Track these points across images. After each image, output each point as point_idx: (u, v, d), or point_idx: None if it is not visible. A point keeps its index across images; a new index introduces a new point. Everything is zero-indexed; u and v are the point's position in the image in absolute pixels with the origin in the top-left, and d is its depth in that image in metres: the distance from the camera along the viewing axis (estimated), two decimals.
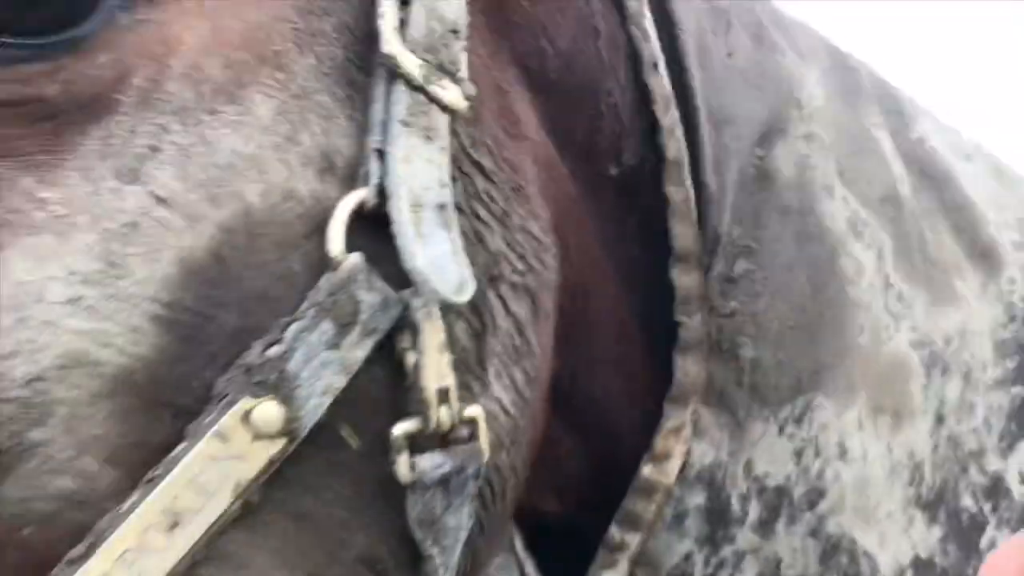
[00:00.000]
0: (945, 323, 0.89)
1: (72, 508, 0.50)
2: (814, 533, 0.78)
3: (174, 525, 0.50)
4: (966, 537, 0.86)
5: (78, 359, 0.49)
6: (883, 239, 0.86)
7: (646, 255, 0.75)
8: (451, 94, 0.58)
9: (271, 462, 0.52)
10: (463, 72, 0.60)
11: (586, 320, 0.73)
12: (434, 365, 0.57)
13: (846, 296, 0.81)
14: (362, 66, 0.58)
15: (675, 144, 0.73)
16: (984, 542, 0.87)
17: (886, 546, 0.81)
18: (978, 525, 0.87)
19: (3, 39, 0.50)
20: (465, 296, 0.57)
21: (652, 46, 0.72)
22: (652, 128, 0.73)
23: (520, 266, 0.63)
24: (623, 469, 0.74)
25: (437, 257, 0.56)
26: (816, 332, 0.79)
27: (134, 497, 0.50)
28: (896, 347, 0.85)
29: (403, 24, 0.57)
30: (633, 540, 0.73)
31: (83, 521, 0.50)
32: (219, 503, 0.51)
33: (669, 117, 0.72)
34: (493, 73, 0.64)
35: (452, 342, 0.58)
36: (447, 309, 0.57)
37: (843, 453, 0.79)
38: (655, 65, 0.72)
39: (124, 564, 0.49)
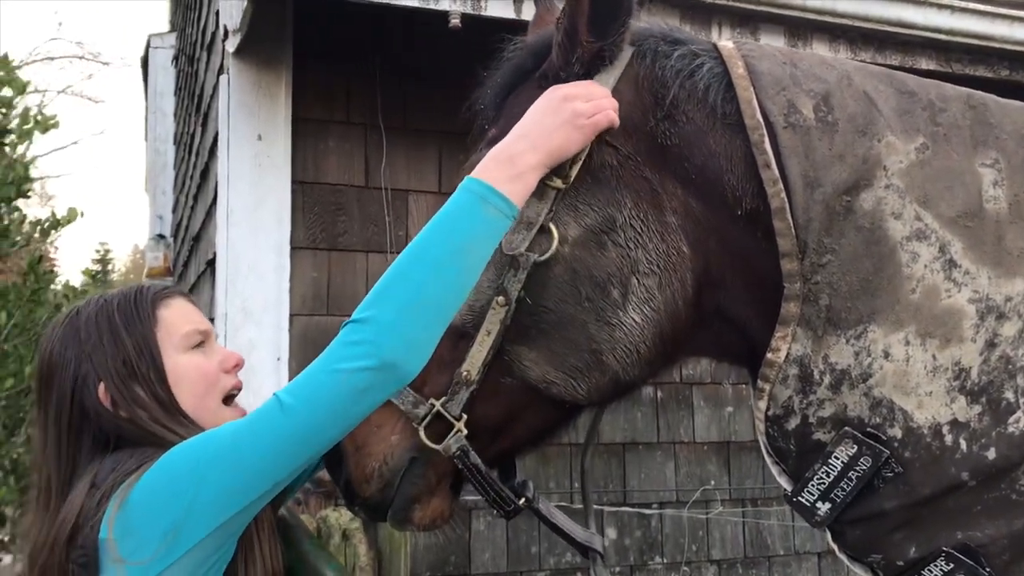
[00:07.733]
0: (1008, 288, 1.45)
1: None
2: (865, 395, 1.47)
3: None
4: (1000, 415, 1.42)
5: None
6: (949, 239, 1.47)
7: (768, 253, 1.55)
8: (555, 183, 1.57)
9: None
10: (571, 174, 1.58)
11: (735, 284, 1.59)
12: None
13: (900, 273, 1.47)
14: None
15: (778, 201, 1.53)
16: (1012, 419, 1.41)
17: (923, 409, 1.44)
18: (1011, 409, 1.41)
19: None
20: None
21: (768, 156, 1.54)
22: (763, 192, 1.55)
23: (648, 265, 1.57)
24: (758, 353, 1.57)
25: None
26: (875, 292, 1.48)
27: None
28: (954, 302, 1.46)
29: None
30: (766, 387, 1.55)
31: None
32: None
33: (774, 189, 1.53)
34: (652, 184, 1.59)
35: None
36: None
37: (887, 355, 1.46)
38: (767, 165, 1.54)
39: None
